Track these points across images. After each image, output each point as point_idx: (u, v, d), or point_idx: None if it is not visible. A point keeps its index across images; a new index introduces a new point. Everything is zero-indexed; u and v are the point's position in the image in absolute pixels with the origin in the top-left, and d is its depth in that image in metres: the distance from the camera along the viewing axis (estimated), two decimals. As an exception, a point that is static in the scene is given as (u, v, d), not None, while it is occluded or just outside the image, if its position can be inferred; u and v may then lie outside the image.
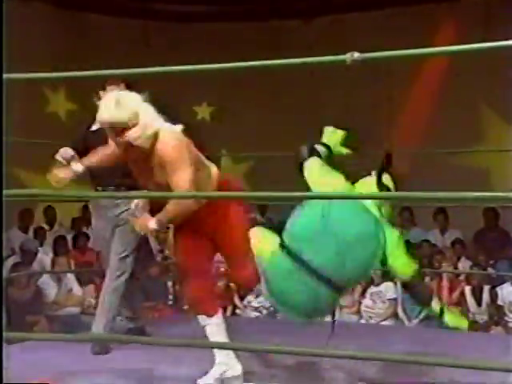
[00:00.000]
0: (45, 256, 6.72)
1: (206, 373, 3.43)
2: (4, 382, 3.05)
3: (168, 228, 6.45)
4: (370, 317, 6.24)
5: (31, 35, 7.72)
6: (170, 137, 3.25)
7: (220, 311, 3.51)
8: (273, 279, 3.22)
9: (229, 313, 6.54)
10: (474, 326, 5.97)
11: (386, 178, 3.44)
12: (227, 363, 3.41)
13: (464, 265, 6.68)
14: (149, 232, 3.39)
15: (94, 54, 7.81)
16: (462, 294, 6.28)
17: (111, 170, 3.92)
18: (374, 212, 3.24)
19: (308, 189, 3.46)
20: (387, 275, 6.51)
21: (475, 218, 7.25)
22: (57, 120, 8.40)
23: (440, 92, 8.14)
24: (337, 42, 7.38)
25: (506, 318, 6.01)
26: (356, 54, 2.31)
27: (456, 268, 6.60)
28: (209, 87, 8.30)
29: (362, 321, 6.20)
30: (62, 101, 8.54)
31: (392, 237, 3.24)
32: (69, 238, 7.15)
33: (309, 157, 3.56)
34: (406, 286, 3.43)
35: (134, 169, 3.40)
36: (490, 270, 6.45)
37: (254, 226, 3.46)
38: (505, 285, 6.13)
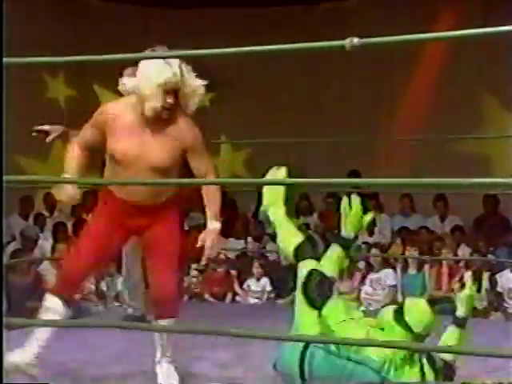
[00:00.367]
0: (45, 242, 6.74)
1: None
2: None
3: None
4: (370, 304, 6.26)
5: (31, 20, 7.69)
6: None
7: (67, 296, 3.39)
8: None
9: (228, 300, 6.57)
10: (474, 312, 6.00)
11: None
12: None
13: (463, 251, 6.68)
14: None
15: (93, 39, 7.79)
16: (462, 280, 6.29)
17: None
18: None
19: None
20: (387, 262, 6.55)
21: (475, 204, 7.25)
22: (56, 106, 8.38)
23: (440, 79, 8.11)
24: (338, 29, 7.34)
25: (505, 305, 6.03)
26: (355, 40, 2.30)
27: (456, 255, 6.61)
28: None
29: (362, 308, 6.22)
30: (61, 86, 8.51)
31: None
32: (69, 224, 7.15)
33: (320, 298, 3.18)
34: None
35: (132, 151, 3.31)
36: (490, 257, 6.46)
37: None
38: (504, 271, 6.14)
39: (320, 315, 3.11)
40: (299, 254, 3.32)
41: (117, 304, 6.10)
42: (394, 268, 6.47)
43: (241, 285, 6.59)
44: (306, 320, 3.15)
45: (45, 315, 3.33)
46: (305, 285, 3.15)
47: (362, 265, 6.49)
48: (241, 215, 7.89)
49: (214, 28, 8.07)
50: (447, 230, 7.13)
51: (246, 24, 8.17)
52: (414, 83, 8.35)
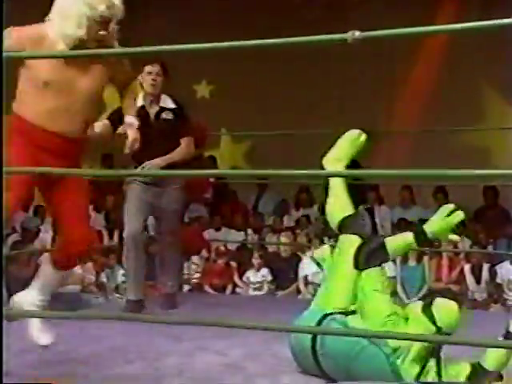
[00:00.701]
0: (46, 234, 6.75)
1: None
2: (3, 358, 3.08)
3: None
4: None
5: (31, 9, 7.66)
6: None
7: None
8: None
9: (229, 291, 6.58)
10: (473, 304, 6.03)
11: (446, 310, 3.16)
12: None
13: (463, 243, 6.69)
14: None
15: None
16: (462, 272, 6.31)
17: (151, 148, 4.32)
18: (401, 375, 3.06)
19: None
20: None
21: (475, 196, 7.26)
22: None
23: (441, 71, 8.11)
24: (338, 21, 7.33)
25: (504, 296, 6.04)
26: (357, 33, 2.30)
27: (455, 247, 6.62)
28: (208, 65, 8.26)
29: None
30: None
31: None
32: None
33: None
34: None
35: None
36: (490, 249, 6.47)
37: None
38: (504, 263, 6.15)
39: (359, 275, 3.20)
40: (344, 225, 3.32)
41: (117, 295, 6.12)
42: (394, 260, 6.47)
43: (241, 276, 6.60)
44: (341, 277, 3.24)
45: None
46: (361, 245, 3.23)
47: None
48: (241, 207, 7.91)
49: (213, 21, 8.06)
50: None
51: (246, 17, 8.16)
52: (414, 76, 8.34)
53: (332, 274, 3.32)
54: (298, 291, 6.33)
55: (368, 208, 7.39)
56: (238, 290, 6.58)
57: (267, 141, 7.93)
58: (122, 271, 5.88)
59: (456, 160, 6.99)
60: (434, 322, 3.06)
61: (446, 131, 7.20)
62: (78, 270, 6.34)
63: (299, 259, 6.47)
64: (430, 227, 3.28)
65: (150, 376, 3.24)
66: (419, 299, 6.09)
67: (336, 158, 3.62)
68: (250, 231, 7.38)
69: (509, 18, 2.23)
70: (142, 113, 4.46)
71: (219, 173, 7.75)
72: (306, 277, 6.26)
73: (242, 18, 8.14)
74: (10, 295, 5.48)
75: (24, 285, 5.68)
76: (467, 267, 6.30)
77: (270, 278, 6.49)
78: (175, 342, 3.82)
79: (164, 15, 8.49)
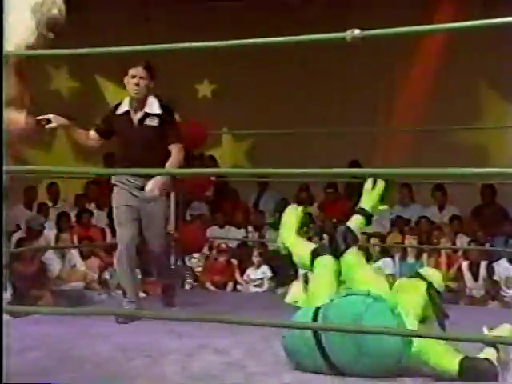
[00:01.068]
0: (49, 232, 6.74)
1: None
2: (7, 353, 3.07)
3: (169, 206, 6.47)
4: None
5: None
6: None
7: None
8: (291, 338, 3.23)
9: (230, 288, 6.57)
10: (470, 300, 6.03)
11: (437, 279, 3.38)
12: None
13: (461, 241, 6.68)
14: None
15: (95, 30, 7.76)
16: (460, 269, 6.30)
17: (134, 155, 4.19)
18: (406, 324, 3.12)
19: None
20: (385, 251, 6.55)
21: (473, 194, 7.25)
22: (59, 98, 8.36)
23: (439, 70, 8.09)
24: (337, 21, 7.32)
25: (501, 293, 6.03)
26: (356, 31, 2.28)
27: (454, 244, 6.61)
28: (210, 64, 8.25)
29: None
30: (64, 78, 8.50)
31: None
32: (72, 214, 7.15)
33: (344, 245, 3.44)
34: None
35: None
36: (487, 246, 6.46)
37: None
38: (501, 261, 6.15)
39: (337, 266, 3.39)
40: (315, 254, 3.49)
41: (119, 292, 6.11)
42: (393, 257, 6.47)
43: (241, 274, 6.59)
44: (322, 276, 3.41)
45: None
46: (333, 235, 3.46)
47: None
48: (242, 205, 7.90)
49: (214, 20, 8.04)
50: (445, 220, 7.12)
51: (246, 17, 8.14)
52: (413, 75, 8.32)
53: (313, 281, 3.50)
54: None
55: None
56: (238, 287, 6.58)
57: (268, 140, 7.92)
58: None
59: (455, 158, 6.98)
60: (423, 279, 3.29)
61: (445, 130, 7.18)
62: (81, 267, 6.35)
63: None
64: (365, 205, 3.61)
65: (152, 374, 3.23)
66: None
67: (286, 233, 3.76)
68: (250, 229, 7.37)
69: (507, 16, 2.21)
70: (124, 118, 4.37)
71: (220, 171, 7.74)
72: (305, 274, 6.25)
73: (241, 18, 8.12)
74: (15, 291, 5.50)
75: (28, 281, 5.69)
76: (465, 264, 6.29)
77: (269, 274, 6.48)
78: (176, 339, 3.81)
79: (164, 17, 8.48)
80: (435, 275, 3.41)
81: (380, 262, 6.33)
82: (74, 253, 6.38)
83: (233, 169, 8.11)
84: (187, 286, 6.55)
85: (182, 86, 8.28)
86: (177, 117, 4.68)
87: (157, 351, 3.58)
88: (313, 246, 3.61)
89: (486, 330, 3.23)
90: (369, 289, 3.23)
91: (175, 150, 4.37)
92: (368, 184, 3.63)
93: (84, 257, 6.44)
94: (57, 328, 3.93)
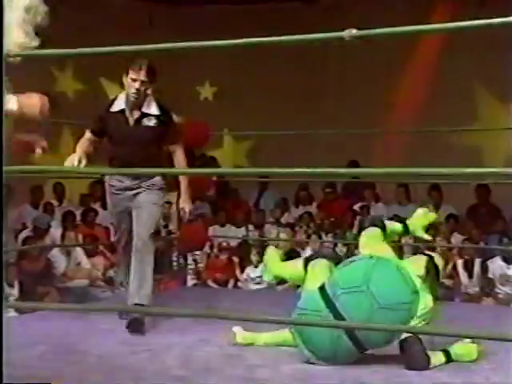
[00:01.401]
0: (55, 230, 6.76)
1: None
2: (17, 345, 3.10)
3: (170, 203, 6.49)
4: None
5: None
6: None
7: None
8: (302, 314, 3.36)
9: (231, 285, 6.59)
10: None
11: (437, 259, 3.59)
12: None
13: (457, 239, 6.70)
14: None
15: (99, 33, 7.76)
16: (455, 267, 6.31)
17: (129, 155, 4.06)
18: (414, 282, 3.32)
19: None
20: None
21: (468, 194, 7.26)
22: (64, 100, 8.37)
23: (434, 71, 8.10)
24: (337, 24, 7.33)
25: (496, 290, 6.04)
26: (354, 31, 2.29)
27: (449, 242, 6.63)
28: (211, 68, 8.27)
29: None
30: (69, 80, 8.51)
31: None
32: (77, 213, 7.17)
33: (371, 225, 3.69)
34: None
35: None
36: (482, 245, 6.47)
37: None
38: (495, 258, 6.16)
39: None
40: (308, 263, 3.64)
41: (123, 289, 6.12)
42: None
43: (242, 271, 6.61)
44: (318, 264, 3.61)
45: None
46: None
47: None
48: (242, 204, 7.91)
49: (215, 24, 8.06)
50: (441, 219, 7.14)
51: (246, 20, 8.15)
52: (407, 75, 8.33)
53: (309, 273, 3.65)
54: (297, 285, 6.33)
55: (364, 205, 7.42)
56: (239, 284, 6.60)
57: (268, 140, 7.93)
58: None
59: (449, 159, 7.00)
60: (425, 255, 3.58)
61: (442, 131, 7.19)
62: (86, 265, 6.36)
63: (298, 255, 6.47)
64: (411, 223, 3.78)
65: (155, 366, 3.25)
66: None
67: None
68: (250, 227, 7.39)
69: (502, 17, 2.22)
70: (120, 116, 4.19)
71: (221, 171, 7.76)
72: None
73: (241, 21, 8.13)
74: (22, 288, 5.52)
75: (35, 279, 5.72)
76: (460, 262, 6.31)
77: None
78: (179, 334, 3.83)
79: (166, 21, 8.49)
80: (436, 255, 3.65)
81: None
82: (79, 251, 6.40)
83: (233, 169, 8.12)
84: (189, 284, 6.58)
85: (184, 89, 8.31)
86: (175, 118, 4.48)
87: (160, 345, 3.61)
88: (299, 261, 3.81)
89: None
90: (370, 253, 3.45)
91: (179, 151, 4.28)
92: (422, 210, 3.87)
93: (89, 255, 6.45)
94: (62, 323, 3.96)
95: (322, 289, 3.35)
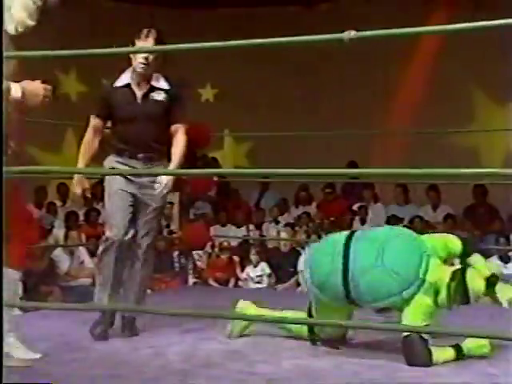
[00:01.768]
0: (58, 230, 6.76)
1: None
2: (22, 343, 3.10)
3: (172, 203, 6.48)
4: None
5: (40, 19, 7.65)
6: None
7: None
8: (316, 260, 3.44)
9: (231, 284, 6.58)
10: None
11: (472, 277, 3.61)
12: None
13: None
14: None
15: (101, 38, 7.75)
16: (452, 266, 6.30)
17: (136, 132, 3.75)
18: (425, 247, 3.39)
19: None
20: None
21: (465, 194, 7.26)
22: (68, 102, 8.37)
23: (431, 73, 8.10)
24: (336, 28, 7.33)
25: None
26: (353, 33, 2.29)
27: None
28: (212, 70, 8.27)
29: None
30: (73, 83, 8.51)
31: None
32: (80, 213, 7.17)
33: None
34: None
35: None
36: (479, 244, 6.46)
37: None
38: (492, 258, 6.14)
39: None
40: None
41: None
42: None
43: (243, 270, 6.61)
44: None
45: None
46: None
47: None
48: (243, 204, 7.91)
49: (215, 27, 8.05)
50: (439, 219, 7.13)
51: (246, 23, 8.15)
52: (404, 77, 8.33)
53: None
54: (298, 284, 6.33)
55: (363, 205, 7.41)
56: (240, 283, 6.59)
57: (267, 142, 7.94)
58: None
59: (445, 160, 7.00)
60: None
61: (439, 133, 7.19)
62: (89, 264, 6.36)
63: (298, 254, 6.47)
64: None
65: (158, 362, 3.25)
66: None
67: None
68: (251, 227, 7.39)
69: (497, 19, 2.21)
70: (126, 92, 3.80)
71: (222, 172, 7.76)
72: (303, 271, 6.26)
73: (242, 25, 8.13)
74: (25, 288, 5.51)
75: (38, 278, 5.70)
76: (457, 261, 6.28)
77: (268, 271, 6.49)
78: (181, 332, 3.83)
79: (167, 24, 8.49)
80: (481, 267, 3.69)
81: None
82: (82, 250, 6.39)
83: (234, 169, 8.13)
84: (190, 283, 6.57)
85: (186, 91, 8.29)
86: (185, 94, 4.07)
87: (162, 342, 3.61)
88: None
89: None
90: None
91: (181, 132, 3.85)
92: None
93: (92, 254, 6.45)
94: (65, 322, 3.96)
95: (349, 237, 3.42)
